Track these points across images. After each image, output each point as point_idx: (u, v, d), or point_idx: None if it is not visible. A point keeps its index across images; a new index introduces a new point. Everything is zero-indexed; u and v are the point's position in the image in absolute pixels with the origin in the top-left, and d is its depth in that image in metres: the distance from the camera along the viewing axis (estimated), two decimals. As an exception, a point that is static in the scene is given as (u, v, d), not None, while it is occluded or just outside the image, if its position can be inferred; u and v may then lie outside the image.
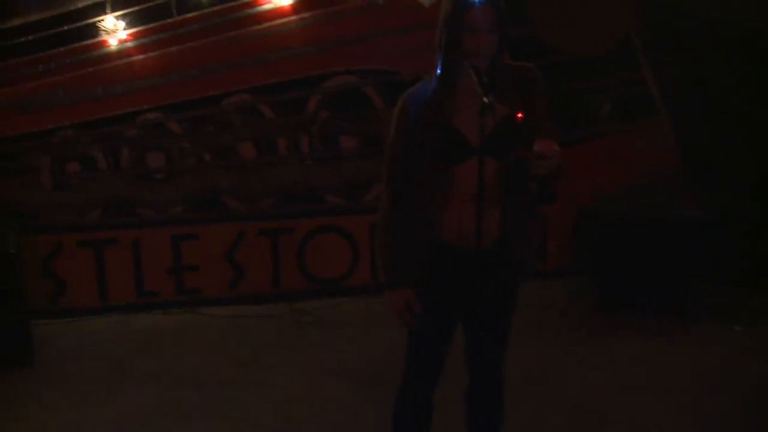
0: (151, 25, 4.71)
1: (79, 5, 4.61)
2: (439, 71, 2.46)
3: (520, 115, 2.29)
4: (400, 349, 2.65)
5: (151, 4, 4.64)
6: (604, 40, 5.15)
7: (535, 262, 2.68)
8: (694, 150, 5.20)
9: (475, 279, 2.46)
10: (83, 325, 4.83)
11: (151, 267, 5.04)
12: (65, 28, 4.61)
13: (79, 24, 4.61)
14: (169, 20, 4.72)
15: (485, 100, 2.24)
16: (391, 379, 2.70)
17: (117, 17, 4.49)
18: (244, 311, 4.95)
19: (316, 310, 4.97)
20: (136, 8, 4.61)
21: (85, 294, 4.99)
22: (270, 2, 4.59)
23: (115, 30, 4.50)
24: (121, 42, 4.59)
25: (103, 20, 4.45)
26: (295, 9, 4.69)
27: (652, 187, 5.17)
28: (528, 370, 3.78)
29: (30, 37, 4.61)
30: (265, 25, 4.77)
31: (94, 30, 4.53)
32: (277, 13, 4.69)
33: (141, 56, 4.73)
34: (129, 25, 4.59)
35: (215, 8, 4.70)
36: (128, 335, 4.70)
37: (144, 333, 4.72)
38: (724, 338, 4.29)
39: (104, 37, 4.36)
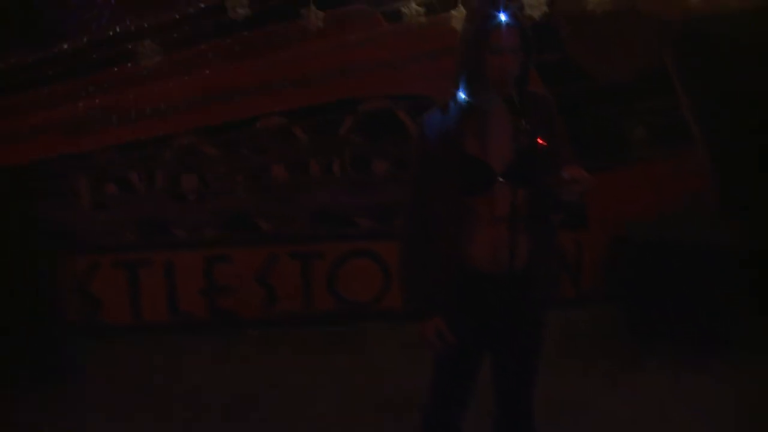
0: (188, 50, 4.79)
1: (119, 31, 4.71)
2: (461, 93, 2.40)
3: (541, 141, 2.27)
4: (429, 374, 2.63)
5: (187, 28, 4.72)
6: (637, 64, 5.12)
7: (558, 286, 2.65)
8: (731, 176, 5.13)
9: (505, 305, 2.44)
10: (116, 343, 4.88)
11: (184, 287, 5.08)
12: (106, 53, 4.71)
13: (118, 49, 4.70)
14: (205, 44, 4.80)
15: (521, 125, 2.23)
16: (419, 404, 2.68)
17: (155, 42, 4.56)
18: (274, 333, 4.96)
19: (346, 333, 4.96)
20: (174, 33, 4.69)
21: (119, 313, 5.05)
22: (304, 26, 4.64)
23: (153, 54, 4.57)
24: (159, 66, 4.67)
25: (142, 45, 4.53)
26: (329, 33, 4.73)
27: (687, 213, 5.10)
28: (559, 398, 3.72)
29: (72, 63, 4.72)
30: (299, 49, 4.83)
31: (133, 55, 4.61)
32: (311, 36, 4.74)
33: (177, 80, 4.81)
34: (166, 50, 4.67)
35: (250, 33, 4.76)
36: (160, 354, 4.74)
37: (176, 353, 4.76)
38: (765, 370, 4.19)
39: (143, 61, 4.44)
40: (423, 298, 2.49)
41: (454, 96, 2.42)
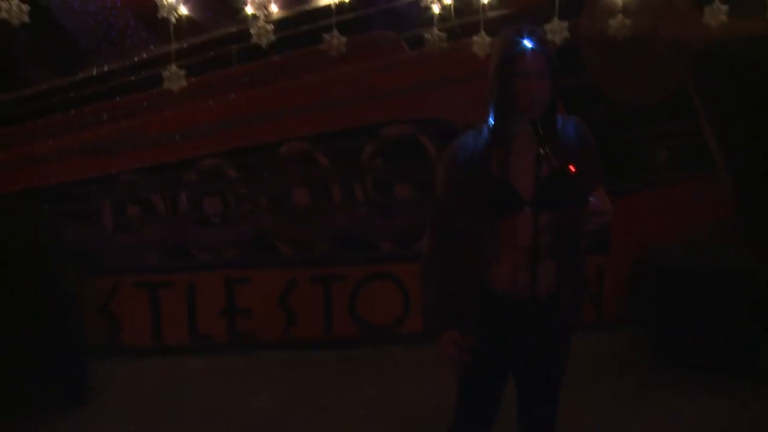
0: (212, 74, 4.85)
1: (144, 55, 4.78)
2: (491, 120, 2.44)
3: (572, 168, 2.28)
4: (451, 397, 2.63)
5: (212, 54, 4.78)
6: (660, 89, 5.12)
7: (582, 313, 2.65)
8: (753, 200, 5.09)
9: (528, 330, 2.44)
10: (137, 364, 4.90)
11: (204, 309, 5.11)
12: (131, 77, 4.78)
13: (143, 73, 4.77)
14: (229, 69, 4.86)
15: (541, 151, 2.24)
16: (442, 427, 2.67)
17: (180, 66, 4.60)
18: (295, 356, 4.97)
19: (367, 357, 4.96)
20: (199, 58, 4.75)
21: (140, 334, 5.08)
22: (326, 52, 4.68)
23: (178, 79, 4.62)
24: (183, 90, 4.71)
25: (166, 70, 4.57)
26: (351, 59, 4.77)
27: (709, 238, 5.07)
28: (581, 425, 3.69)
29: (97, 87, 4.80)
30: (323, 74, 4.88)
31: (157, 79, 4.67)
32: (334, 62, 4.79)
33: (201, 104, 4.87)
34: (191, 74, 4.72)
35: (274, 58, 4.82)
36: (180, 376, 4.75)
37: (196, 374, 4.77)
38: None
39: (167, 85, 4.48)
40: (440, 312, 2.50)
41: (484, 120, 2.45)
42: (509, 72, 2.34)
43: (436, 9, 4.27)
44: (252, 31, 4.49)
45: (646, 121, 5.15)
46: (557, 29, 4.22)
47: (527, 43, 2.33)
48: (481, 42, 4.29)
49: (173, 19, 4.03)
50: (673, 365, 4.54)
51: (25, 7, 3.68)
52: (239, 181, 5.05)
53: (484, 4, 4.31)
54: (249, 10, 4.18)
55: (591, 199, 2.22)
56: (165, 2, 3.91)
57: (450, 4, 4.36)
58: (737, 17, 4.25)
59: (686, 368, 4.46)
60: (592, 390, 4.20)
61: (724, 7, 4.32)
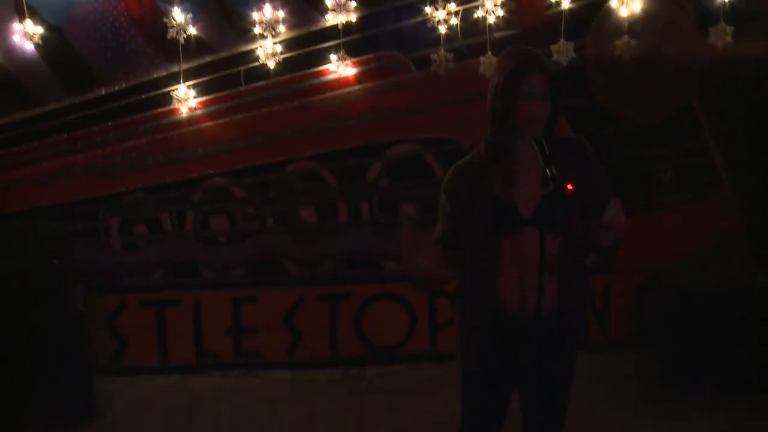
0: (220, 94, 4.89)
1: (154, 76, 4.82)
2: (490, 141, 2.46)
3: (570, 186, 2.28)
4: (456, 416, 2.62)
5: (221, 74, 4.82)
6: (664, 107, 5.13)
7: (587, 332, 2.65)
8: (760, 220, 5.08)
9: (533, 349, 2.43)
10: (143, 383, 4.89)
11: (211, 328, 5.11)
12: (142, 96, 4.82)
13: (152, 93, 4.81)
14: (237, 89, 4.89)
15: (549, 171, 2.25)
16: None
17: (189, 86, 4.65)
18: (301, 375, 4.96)
19: (373, 376, 4.94)
20: (207, 78, 4.79)
21: (146, 353, 5.08)
22: (333, 72, 4.72)
23: (186, 99, 4.67)
24: (192, 110, 4.76)
25: (175, 89, 4.63)
26: (358, 79, 4.81)
27: (718, 259, 5.05)
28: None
29: (108, 106, 4.84)
30: (329, 94, 4.91)
31: (166, 99, 4.72)
32: (341, 82, 4.83)
33: (210, 123, 4.91)
34: (199, 94, 4.77)
35: (281, 78, 4.85)
36: (186, 395, 4.74)
37: (201, 393, 4.76)
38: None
39: (176, 105, 4.53)
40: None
41: (485, 140, 2.47)
42: (511, 93, 2.37)
43: (442, 29, 4.31)
44: (260, 51, 4.55)
45: (651, 140, 5.16)
46: (563, 50, 4.27)
47: (529, 65, 2.35)
48: (487, 62, 4.34)
49: (182, 40, 4.09)
50: (680, 386, 4.50)
51: (39, 29, 3.75)
52: (246, 200, 5.07)
53: (490, 24, 4.35)
54: (257, 30, 4.24)
55: (606, 211, 2.23)
56: (175, 23, 3.96)
57: (457, 25, 4.41)
58: (742, 38, 4.28)
59: (694, 389, 4.43)
60: (597, 411, 4.17)
61: (729, 28, 4.36)
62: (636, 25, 4.72)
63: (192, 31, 4.01)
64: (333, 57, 4.63)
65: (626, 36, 4.31)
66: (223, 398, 4.68)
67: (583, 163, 2.47)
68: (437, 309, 5.16)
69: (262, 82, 4.84)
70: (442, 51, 4.32)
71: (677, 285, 4.67)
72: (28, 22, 4.30)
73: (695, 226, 5.15)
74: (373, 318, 5.16)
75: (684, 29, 4.97)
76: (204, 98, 4.80)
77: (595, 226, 2.25)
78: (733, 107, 5.00)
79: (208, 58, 4.80)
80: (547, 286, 2.37)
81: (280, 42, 4.55)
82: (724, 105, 5.06)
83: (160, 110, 4.83)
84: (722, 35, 4.30)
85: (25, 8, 3.77)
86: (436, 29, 4.34)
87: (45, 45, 3.89)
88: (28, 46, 3.73)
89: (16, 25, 4.43)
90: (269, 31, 4.18)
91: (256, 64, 4.63)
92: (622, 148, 5.02)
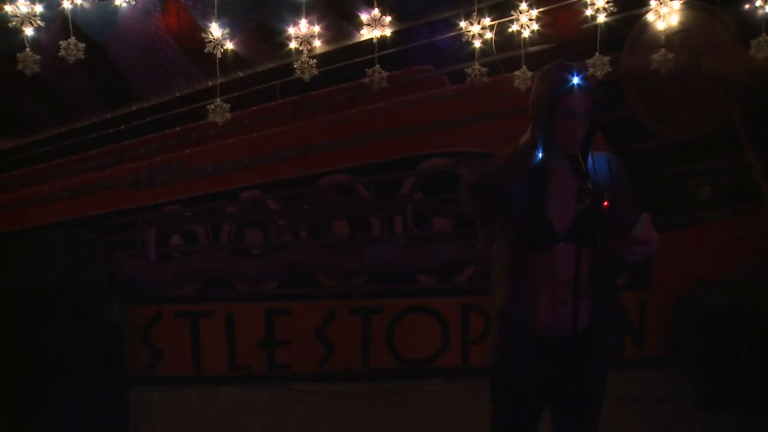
0: (256, 108, 4.94)
1: (191, 90, 4.89)
2: (537, 155, 2.41)
3: (606, 203, 2.27)
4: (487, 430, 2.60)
5: (257, 87, 4.87)
6: (704, 123, 5.07)
7: (617, 349, 2.62)
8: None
9: (566, 366, 2.41)
10: (176, 394, 4.93)
11: (243, 340, 5.14)
12: (179, 110, 4.88)
13: (189, 107, 4.87)
14: (272, 103, 4.94)
15: (586, 187, 2.24)
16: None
17: (224, 100, 4.69)
18: (332, 388, 4.96)
19: (404, 390, 4.93)
20: (243, 92, 4.84)
21: (180, 364, 5.12)
22: (367, 86, 4.73)
23: (222, 112, 4.71)
24: (228, 123, 4.80)
25: (211, 103, 4.67)
26: (392, 93, 4.82)
27: (756, 276, 4.96)
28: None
29: (145, 120, 4.91)
30: (363, 108, 4.93)
31: (203, 112, 4.77)
32: (375, 96, 4.84)
33: (245, 137, 4.96)
34: (235, 108, 4.81)
35: (316, 92, 4.89)
36: (219, 407, 4.77)
37: (233, 405, 4.78)
38: None
39: (212, 118, 4.57)
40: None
41: (524, 154, 2.44)
42: (554, 110, 2.34)
43: (477, 44, 4.31)
44: (295, 65, 4.58)
45: (691, 155, 5.10)
46: (599, 64, 4.23)
47: (575, 80, 2.33)
48: (522, 76, 4.31)
49: (219, 54, 4.13)
50: (718, 406, 4.42)
51: (81, 45, 3.82)
52: (280, 213, 5.10)
53: (525, 39, 4.33)
54: (292, 45, 4.27)
55: (637, 227, 2.21)
56: (212, 38, 4.00)
57: (491, 39, 4.40)
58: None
59: (732, 410, 4.34)
60: (631, 430, 4.11)
61: (772, 40, 4.28)
62: (673, 39, 4.68)
63: (229, 45, 4.05)
64: (367, 71, 4.65)
65: (663, 50, 4.25)
66: (254, 410, 4.69)
67: (614, 180, 2.45)
68: (470, 323, 5.14)
69: (297, 96, 4.88)
70: (476, 65, 4.30)
71: (714, 302, 4.59)
72: (72, 38, 4.38)
73: (734, 242, 5.07)
74: (405, 331, 5.15)
75: (723, 42, 4.91)
76: (239, 112, 4.84)
77: (626, 241, 2.23)
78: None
79: (244, 73, 4.86)
80: (581, 302, 2.36)
81: (315, 56, 4.58)
82: (765, 119, 4.99)
83: (196, 123, 4.89)
84: (764, 48, 4.22)
85: (70, 26, 3.84)
86: (470, 43, 4.33)
87: (87, 61, 3.96)
88: (71, 62, 3.80)
89: (61, 42, 4.51)
90: (305, 46, 4.20)
91: (292, 78, 4.66)
92: (660, 163, 4.97)
